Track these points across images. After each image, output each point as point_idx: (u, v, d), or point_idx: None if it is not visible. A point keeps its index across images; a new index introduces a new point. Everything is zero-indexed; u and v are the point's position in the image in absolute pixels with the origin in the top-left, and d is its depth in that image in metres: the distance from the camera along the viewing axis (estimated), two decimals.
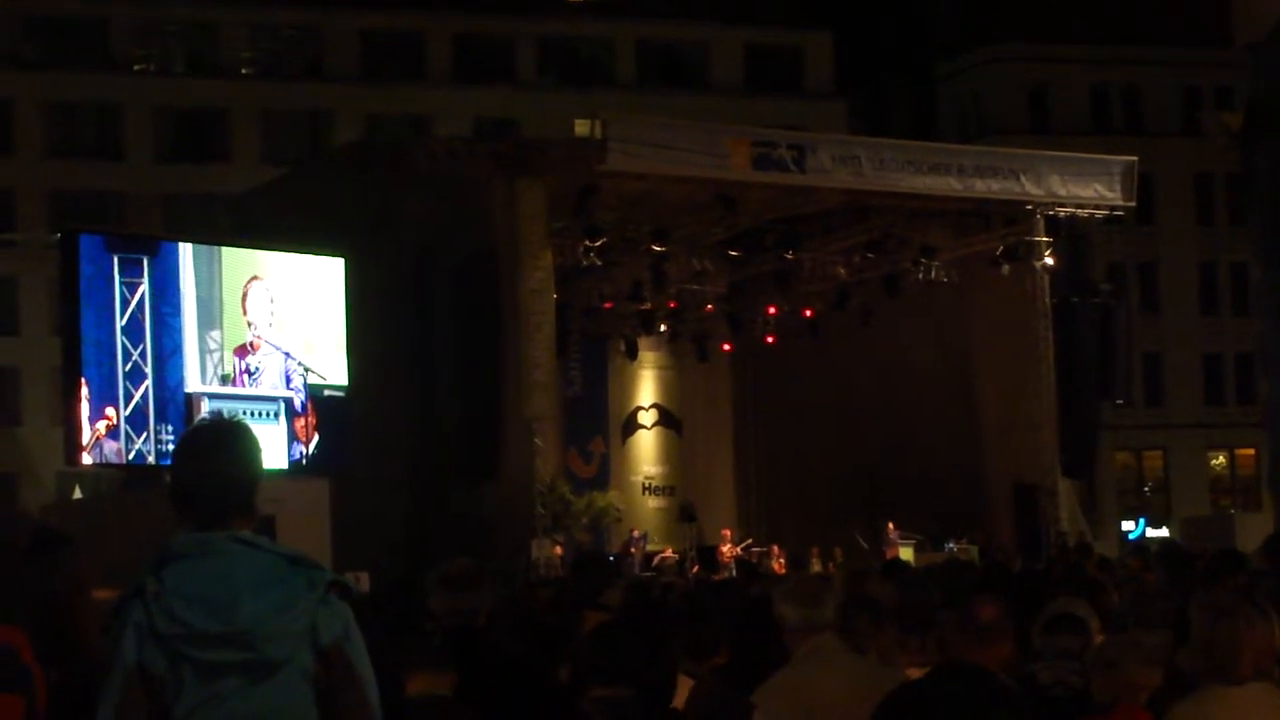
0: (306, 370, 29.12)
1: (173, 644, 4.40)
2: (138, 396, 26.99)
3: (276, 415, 28.84)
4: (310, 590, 4.50)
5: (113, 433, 26.74)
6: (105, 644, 4.50)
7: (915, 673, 6.96)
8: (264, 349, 28.84)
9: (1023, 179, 34.75)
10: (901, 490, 36.60)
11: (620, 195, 32.59)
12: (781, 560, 34.74)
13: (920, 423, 37.85)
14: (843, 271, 37.74)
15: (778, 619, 7.16)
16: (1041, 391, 35.80)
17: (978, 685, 5.95)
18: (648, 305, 38.11)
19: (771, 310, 39.60)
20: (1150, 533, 57.31)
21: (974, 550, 33.42)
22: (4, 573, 4.75)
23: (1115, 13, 64.61)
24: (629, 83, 64.88)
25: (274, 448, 27.48)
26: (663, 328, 40.03)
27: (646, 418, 42.49)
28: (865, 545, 34.71)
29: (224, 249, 29.50)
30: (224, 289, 28.41)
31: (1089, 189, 35.45)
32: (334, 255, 30.13)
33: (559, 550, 31.37)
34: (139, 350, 27.03)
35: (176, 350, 27.62)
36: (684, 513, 37.90)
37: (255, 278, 28.91)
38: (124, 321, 26.88)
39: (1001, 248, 35.73)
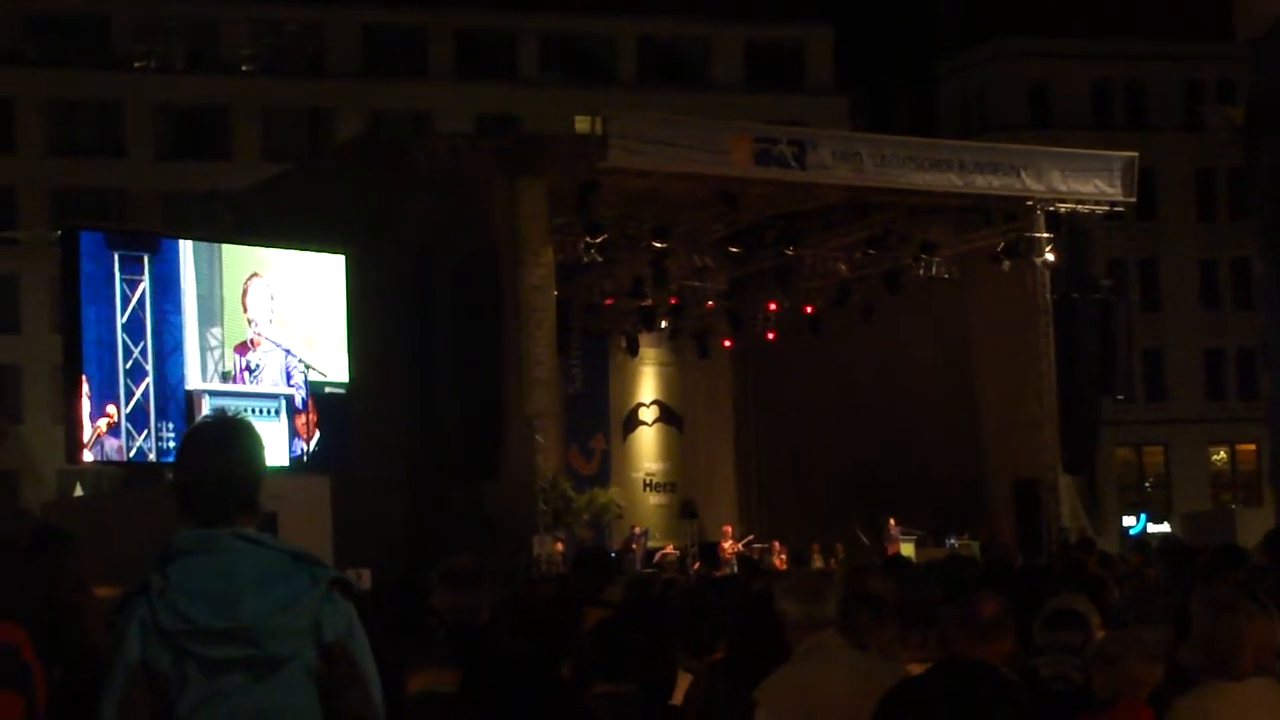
0: (307, 367, 29.13)
1: (177, 640, 4.41)
2: (139, 394, 26.99)
3: (277, 412, 28.84)
4: (314, 587, 4.51)
5: (114, 430, 26.74)
6: (108, 640, 4.50)
7: (916, 668, 6.98)
8: (264, 346, 28.84)
9: (1023, 175, 34.75)
10: (902, 486, 36.61)
11: (621, 192, 32.59)
12: (783, 556, 34.73)
13: (921, 419, 37.85)
14: (843, 268, 37.74)
15: (779, 615, 7.16)
16: (1042, 387, 35.79)
17: (979, 680, 5.98)
18: (649, 302, 38.11)
19: (772, 307, 39.60)
20: (1151, 528, 57.30)
21: (975, 546, 33.43)
22: (5, 570, 4.75)
23: (1116, 8, 64.59)
24: (630, 79, 64.90)
25: (275, 445, 27.47)
26: (664, 324, 40.02)
27: (647, 414, 42.48)
28: (866, 541, 34.69)
29: (224, 246, 29.49)
30: (224, 286, 28.41)
31: (1090, 185, 35.45)
32: (335, 252, 30.13)
33: (560, 547, 31.38)
34: (140, 347, 27.03)
35: (177, 347, 27.62)
36: (685, 509, 37.86)
37: (255, 275, 28.91)
38: (125, 319, 26.88)
39: (1002, 244, 35.72)
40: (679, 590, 14.29)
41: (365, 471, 29.63)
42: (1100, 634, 7.67)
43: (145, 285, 27.17)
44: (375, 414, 30.37)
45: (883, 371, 38.96)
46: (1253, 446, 66.09)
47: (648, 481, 42.24)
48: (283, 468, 27.34)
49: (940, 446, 36.88)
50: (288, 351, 29.03)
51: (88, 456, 27.18)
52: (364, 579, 20.19)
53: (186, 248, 28.43)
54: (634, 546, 34.86)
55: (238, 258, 29.10)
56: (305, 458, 29.15)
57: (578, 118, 53.02)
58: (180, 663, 4.41)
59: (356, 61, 63.25)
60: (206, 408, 27.52)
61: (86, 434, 26.54)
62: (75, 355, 26.81)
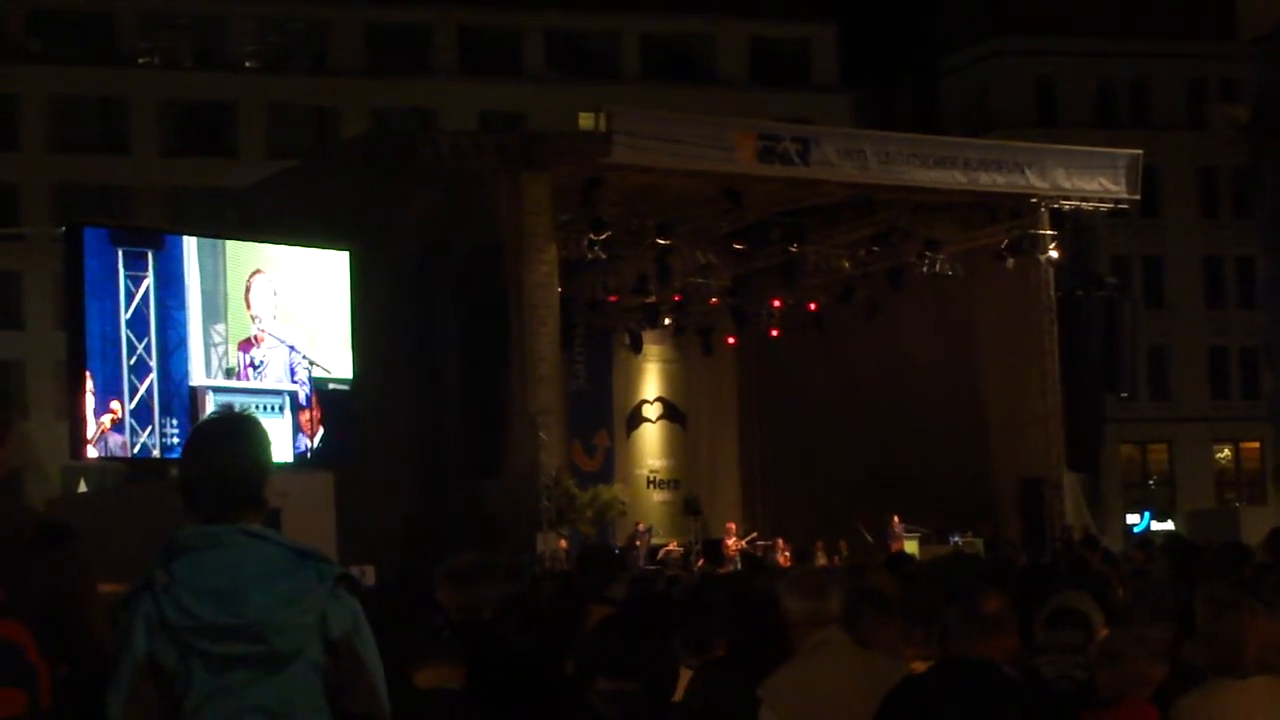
0: (311, 364, 29.14)
1: (183, 636, 4.41)
2: (142, 390, 27.01)
3: (281, 409, 28.86)
4: (319, 583, 4.52)
5: (118, 426, 26.75)
6: (114, 636, 4.51)
7: (920, 666, 6.98)
8: (268, 342, 28.85)
9: (1028, 172, 34.74)
10: (906, 483, 36.60)
11: (625, 188, 32.59)
12: (787, 553, 34.70)
13: (925, 416, 37.85)
14: (847, 265, 37.76)
15: (783, 612, 7.16)
16: (1046, 385, 35.79)
17: (982, 678, 5.97)
18: (652, 298, 38.11)
19: (776, 303, 39.61)
20: (1155, 526, 57.28)
21: (979, 543, 33.46)
22: (9, 567, 4.75)
23: (1120, 6, 64.53)
24: (634, 76, 64.87)
25: (279, 441, 27.47)
26: (667, 321, 40.03)
27: (651, 411, 42.49)
28: (870, 539, 34.69)
29: (229, 242, 29.49)
30: (228, 282, 28.42)
31: (1094, 182, 35.44)
32: (339, 249, 30.13)
33: (564, 544, 31.40)
34: (144, 344, 27.04)
35: (181, 344, 27.64)
36: (689, 506, 37.85)
37: (258, 271, 28.91)
38: (129, 315, 26.89)
39: (1006, 241, 35.72)
40: (682, 587, 14.30)
41: (369, 468, 29.63)
42: (1104, 632, 7.67)
43: (149, 281, 27.17)
44: (379, 410, 30.38)
45: (887, 369, 38.96)
46: (1257, 444, 66.05)
47: (651, 478, 42.25)
48: (286, 464, 27.37)
49: (944, 444, 36.88)
50: (292, 348, 29.04)
51: (92, 453, 27.20)
52: (368, 575, 20.20)
53: (191, 244, 28.43)
54: (637, 544, 34.86)
55: (242, 254, 29.10)
56: (309, 454, 29.17)
57: (582, 114, 52.85)
58: (186, 658, 4.41)
59: (361, 59, 63.22)
60: (210, 404, 27.54)
61: (90, 430, 26.56)
62: (79, 351, 26.82)
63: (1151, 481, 67.30)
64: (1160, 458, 67.81)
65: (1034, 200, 35.17)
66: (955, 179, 34.02)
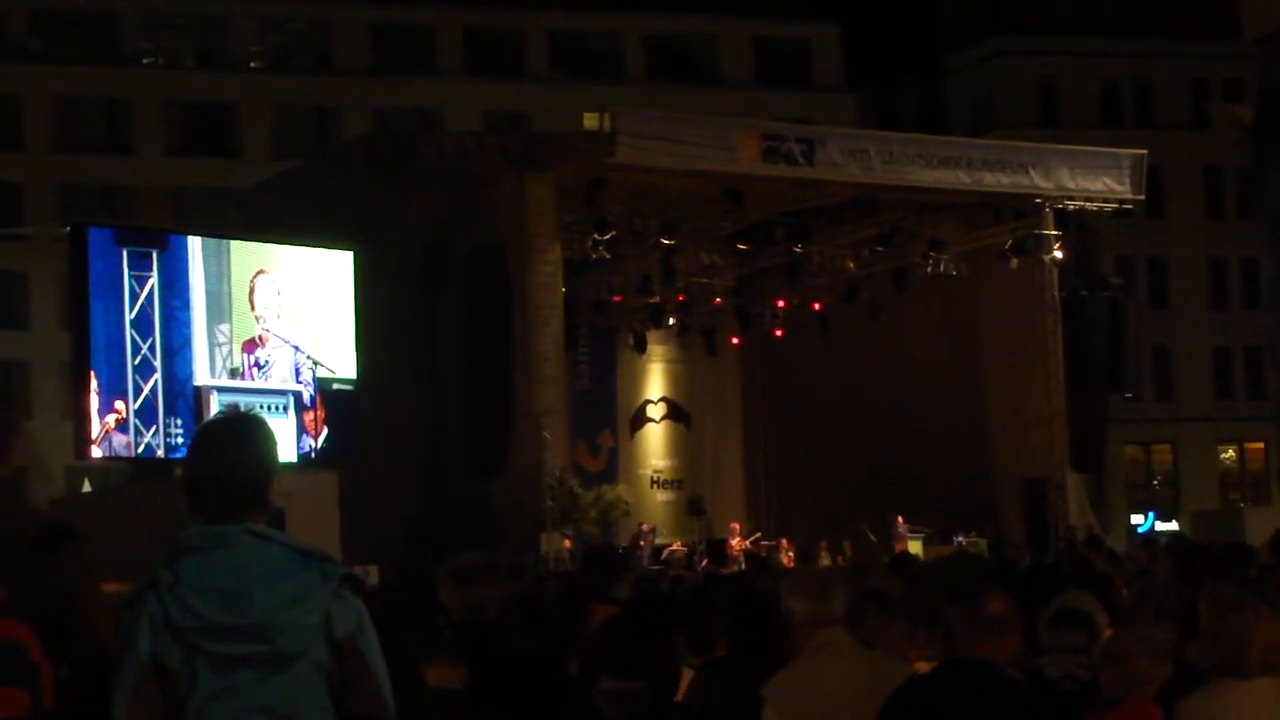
0: (315, 364, 29.14)
1: (187, 636, 4.41)
2: (147, 390, 27.01)
3: (285, 409, 28.85)
4: (324, 583, 4.52)
5: (122, 426, 26.76)
6: (118, 636, 4.51)
7: (924, 666, 6.98)
8: (273, 342, 28.86)
9: (1032, 173, 34.72)
10: (910, 484, 36.59)
11: (629, 189, 32.60)
12: (790, 554, 34.74)
13: (929, 416, 37.85)
14: (852, 265, 37.76)
15: (786, 613, 7.16)
16: (1050, 385, 35.79)
17: (986, 679, 5.97)
18: (656, 299, 38.13)
19: (780, 304, 39.62)
20: (1159, 526, 57.32)
21: (983, 544, 33.45)
22: (12, 567, 4.75)
23: (1124, 6, 64.53)
24: (638, 76, 64.89)
25: (283, 441, 27.39)
26: (671, 321, 40.04)
27: (655, 411, 42.50)
28: (874, 539, 34.70)
29: (233, 243, 29.48)
30: (232, 283, 28.43)
31: (1098, 182, 35.42)
32: (343, 249, 30.14)
33: (568, 544, 31.43)
34: (148, 344, 27.04)
35: (185, 344, 27.64)
36: (693, 506, 37.87)
37: (262, 271, 28.91)
38: (133, 315, 26.89)
39: (1010, 241, 35.71)
40: (686, 587, 14.31)
41: (373, 468, 29.64)
42: (1108, 632, 7.67)
43: (154, 281, 27.18)
44: (383, 411, 30.38)
45: (891, 369, 38.97)
46: (1261, 445, 66.05)
47: (655, 478, 42.27)
48: (291, 464, 27.36)
49: (948, 444, 36.87)
50: (296, 348, 29.05)
51: (96, 452, 27.20)
52: (371, 575, 20.20)
53: (195, 244, 28.44)
54: (641, 543, 34.89)
55: (246, 254, 29.10)
56: (313, 454, 29.17)
57: (585, 115, 52.77)
58: (190, 659, 4.41)
59: (364, 59, 63.24)
60: (215, 404, 27.55)
61: (95, 430, 26.56)
62: (83, 351, 26.83)
63: (1155, 482, 67.29)
64: (1164, 458, 67.80)
65: (1038, 200, 35.16)
66: (959, 179, 34.00)
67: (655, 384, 42.48)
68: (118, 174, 59.65)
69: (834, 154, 32.86)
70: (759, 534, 37.73)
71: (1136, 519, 60.95)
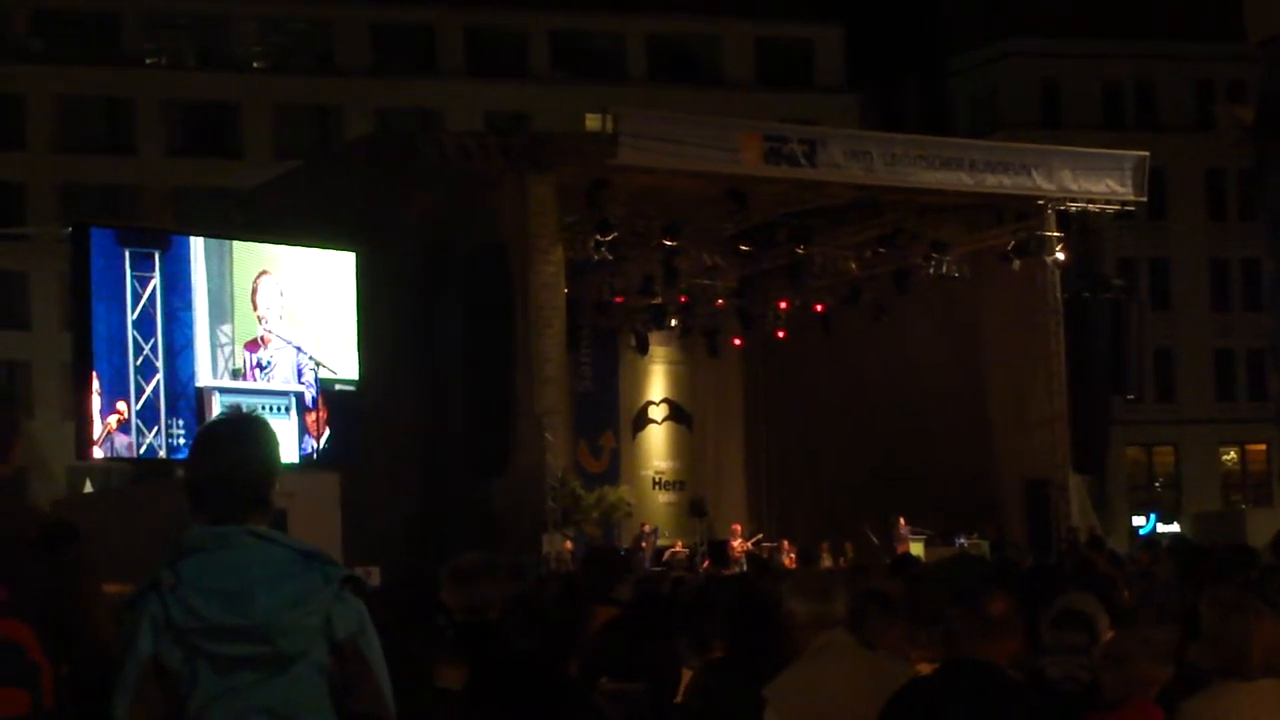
0: (317, 364, 29.13)
1: (188, 637, 4.41)
2: (149, 390, 27.01)
3: (287, 410, 28.85)
4: (325, 585, 4.52)
5: (124, 427, 26.75)
6: (119, 637, 4.50)
7: (926, 667, 6.98)
8: (275, 343, 28.85)
9: (1034, 174, 34.71)
10: (912, 485, 36.59)
11: (631, 189, 32.59)
12: (792, 555, 34.74)
13: (931, 417, 37.84)
14: (854, 266, 37.75)
15: (788, 614, 7.16)
16: (1052, 387, 35.79)
17: (987, 680, 5.97)
18: (658, 300, 38.12)
19: (782, 305, 39.60)
20: (1161, 528, 57.30)
21: (985, 545, 33.43)
22: (12, 567, 4.75)
23: (1126, 8, 64.52)
24: (640, 77, 64.89)
25: (285, 442, 27.20)
26: (673, 322, 40.01)
27: (657, 412, 42.49)
28: (876, 540, 34.69)
29: (235, 243, 29.48)
30: (234, 283, 28.42)
31: (1100, 184, 35.41)
32: (345, 249, 30.13)
33: (569, 545, 31.43)
34: (150, 344, 27.04)
35: (188, 344, 27.64)
36: (694, 507, 37.85)
37: (264, 272, 28.91)
38: (135, 315, 26.89)
39: (1013, 243, 35.70)
40: (688, 588, 14.31)
41: (374, 469, 29.63)
42: (1109, 634, 7.67)
43: (156, 282, 27.18)
44: (385, 411, 30.38)
45: (893, 370, 38.97)
46: (1263, 446, 66.06)
47: (657, 480, 42.25)
48: (293, 465, 27.33)
49: (950, 445, 36.86)
50: (298, 349, 29.04)
51: (97, 453, 27.20)
52: (373, 576, 20.20)
53: (197, 244, 28.44)
54: (643, 545, 34.88)
55: (248, 255, 29.10)
56: (315, 455, 29.16)
57: (587, 115, 52.80)
58: (191, 659, 4.41)
59: (366, 59, 63.26)
60: (217, 405, 27.54)
61: (96, 430, 26.56)
62: (85, 352, 26.82)
63: (1157, 484, 67.30)
64: (1166, 460, 67.81)
65: (1040, 202, 35.15)
66: (961, 180, 33.99)
67: (657, 385, 42.46)
68: (119, 174, 59.68)
69: (836, 155, 32.85)
70: (760, 535, 37.71)
71: (1138, 520, 60.97)
